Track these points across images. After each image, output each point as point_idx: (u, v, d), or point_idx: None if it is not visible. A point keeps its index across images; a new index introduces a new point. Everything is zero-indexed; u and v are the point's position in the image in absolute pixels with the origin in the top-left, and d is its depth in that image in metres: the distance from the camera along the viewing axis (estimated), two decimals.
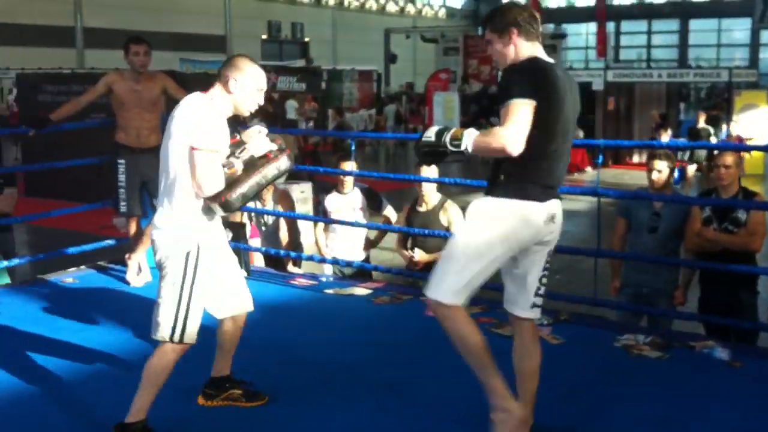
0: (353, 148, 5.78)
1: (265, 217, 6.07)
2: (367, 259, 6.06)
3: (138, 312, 4.74)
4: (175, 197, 3.05)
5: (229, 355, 3.47)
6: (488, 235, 2.86)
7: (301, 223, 6.38)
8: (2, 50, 28.37)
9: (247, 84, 3.10)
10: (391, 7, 46.63)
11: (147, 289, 5.30)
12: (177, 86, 5.37)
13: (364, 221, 5.88)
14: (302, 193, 9.91)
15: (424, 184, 5.42)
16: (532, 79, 2.80)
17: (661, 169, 4.85)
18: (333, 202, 5.95)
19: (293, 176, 8.00)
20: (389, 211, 5.96)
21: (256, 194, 3.32)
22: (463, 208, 5.57)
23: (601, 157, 12.73)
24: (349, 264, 5.74)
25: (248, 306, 3.41)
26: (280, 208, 6.01)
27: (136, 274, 5.39)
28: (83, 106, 5.35)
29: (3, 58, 26.32)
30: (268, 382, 3.61)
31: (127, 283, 5.36)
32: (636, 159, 18.40)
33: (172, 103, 5.41)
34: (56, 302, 4.97)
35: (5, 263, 5.45)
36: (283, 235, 6.10)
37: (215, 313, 3.35)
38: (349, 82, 26.33)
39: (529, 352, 3.12)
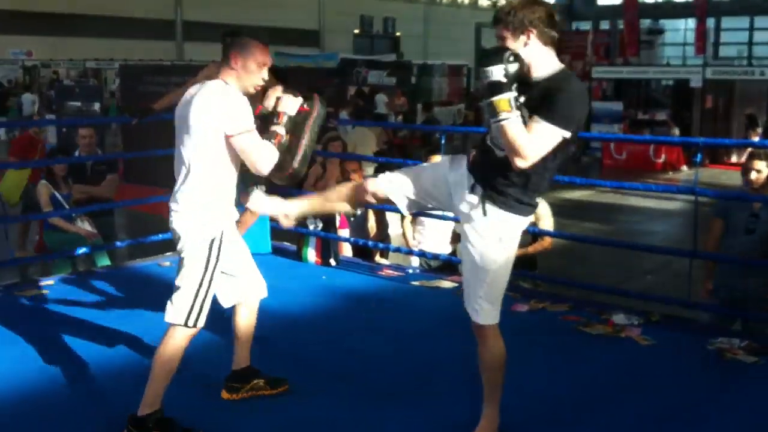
0: (443, 141, 5.78)
1: None
2: (453, 253, 6.05)
3: None
4: (200, 184, 3.06)
5: (248, 346, 3.45)
6: (508, 254, 2.93)
7: (388, 215, 6.44)
8: (107, 42, 29.56)
9: (249, 62, 3.11)
10: (483, 2, 46.21)
11: None
12: (272, 78, 5.48)
13: (451, 214, 5.87)
14: None
15: None
16: (581, 111, 2.79)
17: (761, 169, 4.68)
18: None
19: (382, 170, 8.01)
20: None
21: (313, 149, 3.34)
22: (551, 204, 5.55)
23: (699, 156, 12.40)
24: (435, 256, 5.76)
25: (263, 292, 3.42)
26: None
27: None
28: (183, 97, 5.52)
29: (107, 49, 27.39)
30: (351, 371, 3.68)
31: None
32: (734, 159, 17.74)
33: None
34: (152, 284, 5.18)
35: (106, 246, 5.70)
36: (371, 226, 6.17)
37: (224, 301, 3.35)
38: (438, 76, 26.26)
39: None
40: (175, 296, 3.09)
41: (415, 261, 6.17)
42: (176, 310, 3.07)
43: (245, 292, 3.37)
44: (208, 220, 3.08)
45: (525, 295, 5.00)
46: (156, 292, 4.94)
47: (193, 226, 3.08)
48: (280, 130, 3.17)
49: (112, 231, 6.17)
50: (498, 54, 2.71)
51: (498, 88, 2.68)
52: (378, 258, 6.14)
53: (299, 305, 4.79)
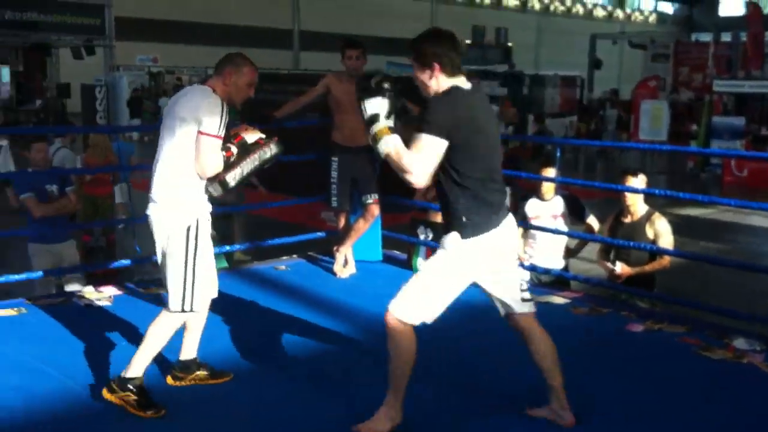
0: (558, 155, 5.72)
1: None
2: (565, 268, 5.98)
3: (340, 300, 5.03)
4: (178, 174, 3.32)
5: (197, 337, 3.67)
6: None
7: None
8: (227, 50, 30.38)
9: (241, 80, 3.42)
10: (598, 12, 45.28)
11: (351, 280, 5.57)
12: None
13: (564, 229, 5.81)
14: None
15: (630, 195, 5.27)
16: (450, 115, 2.98)
17: None
18: (533, 208, 5.92)
19: None
20: (592, 220, 5.84)
21: (250, 176, 3.55)
22: (671, 222, 5.39)
23: None
24: (547, 271, 5.69)
25: (215, 293, 3.63)
26: None
27: (343, 265, 5.67)
28: (302, 106, 5.69)
29: None
30: (461, 382, 3.68)
31: (334, 273, 5.65)
32: None
33: None
34: (268, 287, 5.34)
35: (226, 248, 5.91)
36: None
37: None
38: (551, 87, 25.90)
39: (541, 348, 3.35)
40: (167, 286, 3.37)
41: (525, 275, 6.10)
42: (171, 298, 3.35)
43: (211, 291, 3.61)
44: (184, 209, 3.33)
45: (641, 315, 4.87)
46: (271, 294, 5.14)
47: (169, 215, 3.33)
48: (233, 148, 3.46)
49: (231, 234, 6.40)
50: (377, 87, 3.06)
51: (376, 119, 3.03)
52: None
53: None
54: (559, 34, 42.83)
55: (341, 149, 5.58)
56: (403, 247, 6.11)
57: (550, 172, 5.85)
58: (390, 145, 3.01)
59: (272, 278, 5.55)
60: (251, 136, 3.56)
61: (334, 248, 5.76)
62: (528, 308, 3.36)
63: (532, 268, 5.76)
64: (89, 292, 4.96)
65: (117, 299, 4.91)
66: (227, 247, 5.97)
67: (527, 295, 3.35)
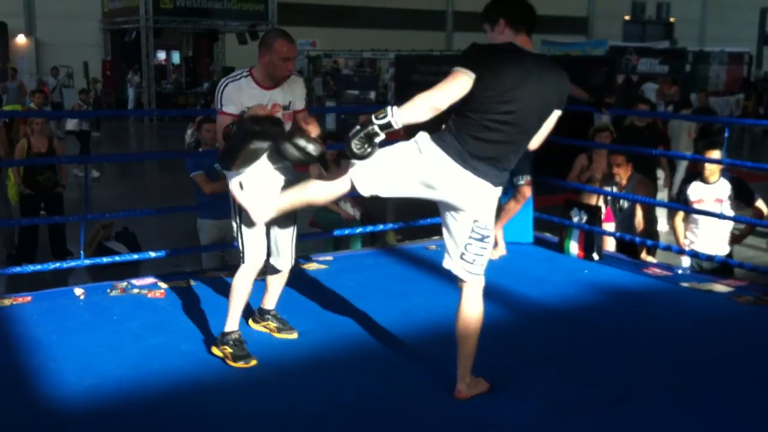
0: (727, 135, 5.43)
1: (621, 201, 5.99)
2: (730, 254, 5.69)
3: (490, 281, 4.95)
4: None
5: (274, 293, 4.06)
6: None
7: (658, 210, 6.19)
8: (382, 33, 31.04)
9: (274, 57, 3.59)
10: None
11: (501, 261, 5.55)
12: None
13: (730, 213, 5.52)
14: (659, 179, 9.51)
15: None
16: (484, 56, 3.08)
17: None
18: (696, 191, 5.67)
19: (650, 162, 7.66)
20: (761, 204, 5.52)
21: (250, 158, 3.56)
22: None
23: None
24: (709, 258, 5.43)
25: (285, 266, 3.94)
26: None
27: (493, 247, 5.65)
28: None
29: (383, 40, 28.73)
30: (612, 372, 3.61)
31: None
32: None
33: None
34: (419, 265, 5.42)
35: (379, 227, 6.05)
36: (638, 222, 5.97)
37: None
38: (716, 64, 24.53)
39: (458, 313, 3.35)
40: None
41: (685, 261, 5.87)
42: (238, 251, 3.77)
43: (274, 260, 3.94)
44: (231, 176, 3.66)
45: None
46: (421, 273, 5.23)
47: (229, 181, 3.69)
48: (234, 126, 3.55)
49: (383, 214, 6.54)
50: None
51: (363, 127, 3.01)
52: (644, 255, 5.92)
53: (561, 297, 4.77)
54: (726, 8, 40.30)
55: None
56: (556, 230, 6.02)
57: (716, 154, 5.57)
58: (400, 109, 2.99)
59: (423, 257, 5.63)
60: (258, 110, 3.54)
61: None
62: (460, 272, 3.33)
63: (694, 254, 5.53)
64: None
65: None
66: (380, 226, 6.11)
67: (466, 261, 3.30)
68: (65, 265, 5.21)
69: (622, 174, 5.92)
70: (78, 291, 4.64)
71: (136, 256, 5.71)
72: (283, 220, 3.81)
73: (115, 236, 8.12)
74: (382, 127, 2.98)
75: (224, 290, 4.69)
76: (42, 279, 6.82)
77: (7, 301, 4.47)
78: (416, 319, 4.33)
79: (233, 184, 3.64)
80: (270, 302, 4.12)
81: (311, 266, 5.33)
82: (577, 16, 38.94)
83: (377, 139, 3.01)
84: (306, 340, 3.98)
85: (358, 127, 3.03)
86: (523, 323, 4.36)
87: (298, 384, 3.51)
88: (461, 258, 3.30)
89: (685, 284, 5.07)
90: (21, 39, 27.99)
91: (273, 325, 4.07)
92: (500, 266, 5.43)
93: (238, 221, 3.72)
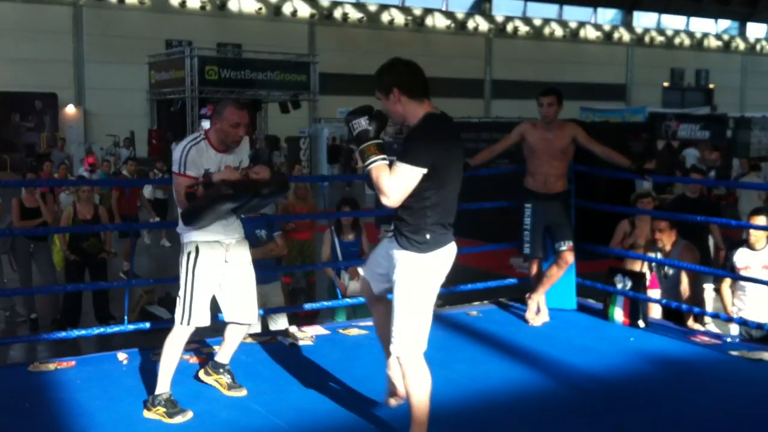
0: None
1: (666, 267, 5.90)
2: None
3: (533, 349, 4.96)
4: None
5: (229, 348, 4.14)
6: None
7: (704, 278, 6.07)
8: None
9: (224, 123, 3.78)
10: None
11: (544, 328, 5.48)
12: (587, 136, 5.50)
13: None
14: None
15: None
16: (428, 144, 3.18)
17: None
18: (743, 257, 5.57)
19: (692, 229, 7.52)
20: None
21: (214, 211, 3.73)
22: None
23: None
24: (759, 326, 5.29)
25: (250, 319, 4.05)
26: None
27: (535, 313, 5.60)
28: (498, 153, 5.74)
29: None
30: None
31: (526, 321, 5.59)
32: None
33: (581, 152, 5.59)
34: (461, 331, 5.37)
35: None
36: (684, 289, 5.86)
37: (224, 314, 4.08)
38: (758, 130, 24.35)
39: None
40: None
41: (734, 329, 5.73)
42: (176, 312, 3.89)
43: (234, 315, 4.05)
44: (186, 238, 3.87)
45: None
46: (463, 339, 5.17)
47: (182, 241, 3.91)
48: (198, 189, 3.72)
49: None
50: (363, 111, 3.19)
51: (365, 137, 3.17)
52: (691, 323, 5.79)
53: (608, 367, 4.67)
54: (766, 75, 40.21)
55: (535, 196, 5.55)
56: (599, 296, 5.93)
57: (761, 219, 5.49)
58: (376, 165, 3.16)
59: (465, 323, 5.58)
60: (229, 175, 3.74)
61: (527, 295, 5.71)
62: None
63: (742, 322, 5.40)
64: (293, 331, 5.23)
65: (319, 338, 5.14)
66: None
67: None
68: (109, 330, 5.26)
69: (666, 240, 5.85)
70: (121, 356, 4.67)
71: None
72: (244, 276, 4.00)
73: (158, 301, 8.20)
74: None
75: (267, 356, 4.71)
76: (86, 343, 6.91)
77: (51, 366, 4.52)
78: (459, 388, 4.25)
79: (188, 246, 3.87)
80: (225, 356, 4.18)
81: (351, 332, 5.31)
82: (615, 83, 39.14)
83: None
84: (346, 408, 3.94)
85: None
86: (571, 395, 4.26)
87: None
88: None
89: (734, 352, 4.93)
90: (71, 109, 28.95)
91: (224, 381, 4.15)
92: (544, 334, 5.37)
93: (188, 283, 3.85)
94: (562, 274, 5.60)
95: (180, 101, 24.04)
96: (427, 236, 3.27)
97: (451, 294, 6.50)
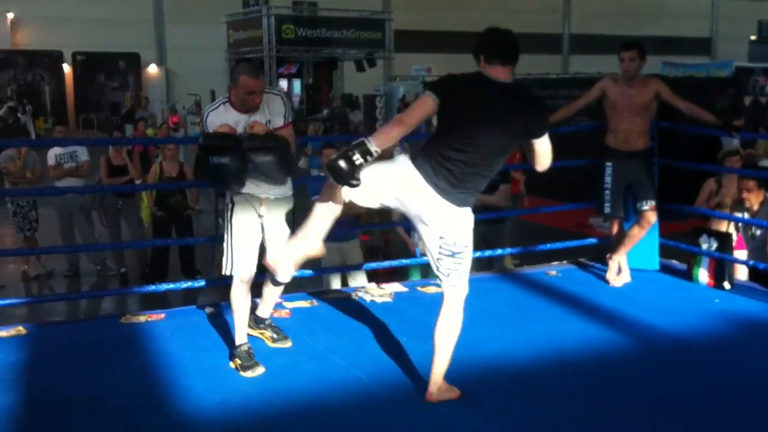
0: None
1: (754, 228, 5.73)
2: None
3: (614, 309, 4.91)
4: None
5: (269, 301, 4.25)
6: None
7: None
8: None
9: (239, 90, 3.87)
10: None
11: (625, 289, 5.42)
12: (671, 92, 5.35)
13: None
14: None
15: None
16: (449, 84, 3.41)
17: None
18: None
19: None
20: None
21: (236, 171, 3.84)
22: None
23: None
24: None
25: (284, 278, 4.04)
26: None
27: (616, 274, 5.53)
28: (578, 110, 5.64)
29: None
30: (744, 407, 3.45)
31: (607, 281, 5.53)
32: None
33: (663, 108, 5.45)
34: (540, 291, 5.36)
35: (498, 251, 6.02)
36: None
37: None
38: None
39: (438, 320, 3.55)
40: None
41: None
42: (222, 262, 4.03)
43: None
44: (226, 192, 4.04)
45: None
46: (542, 299, 5.16)
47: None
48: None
49: (501, 239, 6.51)
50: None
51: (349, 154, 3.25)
52: None
53: (691, 329, 4.59)
54: None
55: (616, 154, 5.45)
56: (683, 257, 5.81)
57: None
58: (368, 137, 3.27)
59: (543, 283, 5.56)
60: (258, 128, 3.89)
61: (607, 256, 5.64)
62: (442, 279, 3.51)
63: None
64: (372, 288, 5.32)
65: (398, 295, 5.22)
66: (499, 251, 6.08)
67: (442, 273, 3.49)
68: (196, 284, 5.44)
69: (753, 200, 5.68)
70: (208, 309, 4.85)
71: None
72: (277, 231, 4.06)
73: None
74: (361, 153, 3.24)
75: (345, 311, 4.81)
76: (173, 297, 7.18)
77: (142, 318, 4.72)
78: (536, 347, 4.27)
79: (227, 199, 4.05)
80: (265, 311, 4.32)
81: (430, 289, 5.36)
82: (699, 36, 37.70)
83: (357, 162, 3.25)
84: (425, 364, 3.99)
85: (342, 152, 3.28)
86: (652, 356, 4.22)
87: (411, 408, 3.53)
88: (438, 270, 3.52)
89: None
90: (153, 69, 29.61)
91: (267, 334, 4.29)
92: (625, 294, 5.31)
93: (227, 233, 4.00)
94: (644, 235, 5.50)
95: (258, 60, 24.28)
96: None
97: (529, 253, 6.49)
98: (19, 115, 19.21)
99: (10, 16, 27.80)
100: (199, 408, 3.50)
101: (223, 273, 4.06)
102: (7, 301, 5.32)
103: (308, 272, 5.37)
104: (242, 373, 3.87)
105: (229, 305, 4.12)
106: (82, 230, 8.65)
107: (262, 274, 4.16)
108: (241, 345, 3.99)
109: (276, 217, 4.09)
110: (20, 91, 27.40)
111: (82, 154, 8.53)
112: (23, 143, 10.10)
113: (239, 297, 4.04)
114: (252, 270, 4.05)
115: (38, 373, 3.95)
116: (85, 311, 7.43)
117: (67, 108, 28.35)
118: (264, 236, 4.08)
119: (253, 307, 4.25)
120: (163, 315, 4.79)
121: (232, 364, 3.96)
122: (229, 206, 4.04)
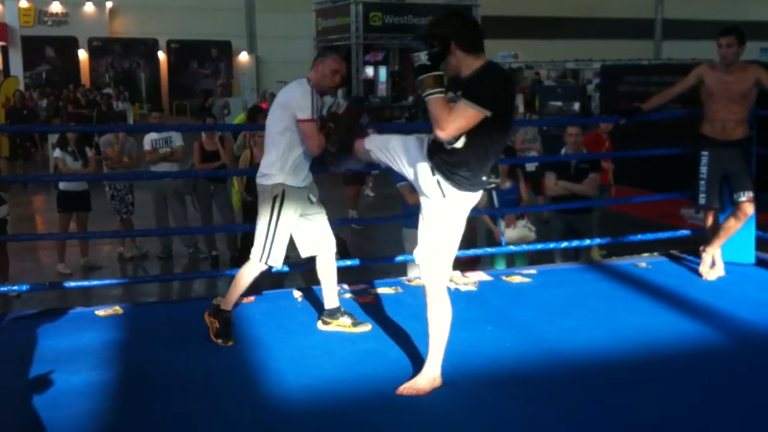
0: None
1: None
2: None
3: (706, 303, 4.77)
4: (273, 153, 4.06)
5: (330, 289, 4.28)
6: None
7: None
8: (586, 43, 30.35)
9: (325, 67, 4.05)
10: None
11: (719, 282, 5.25)
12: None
13: None
14: None
15: None
16: (495, 90, 3.30)
17: None
18: None
19: None
20: None
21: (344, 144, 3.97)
22: None
23: None
24: None
25: (330, 249, 4.25)
26: None
27: (710, 267, 5.37)
28: (673, 97, 5.48)
29: (586, 50, 28.07)
30: None
31: (699, 274, 5.37)
32: None
33: (763, 96, 5.24)
34: (630, 283, 5.24)
35: (586, 242, 5.93)
36: None
37: (300, 252, 4.30)
38: None
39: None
40: (255, 238, 4.13)
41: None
42: (255, 248, 4.12)
43: (316, 247, 4.28)
44: (274, 180, 4.06)
45: None
46: (632, 291, 5.06)
47: (264, 184, 4.11)
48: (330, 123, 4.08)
49: (590, 228, 6.40)
50: (425, 41, 3.25)
51: (424, 68, 3.23)
52: None
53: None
54: None
55: (712, 143, 5.28)
56: None
57: None
58: (435, 97, 3.23)
59: (633, 275, 5.44)
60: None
61: (701, 248, 5.48)
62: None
63: None
64: (456, 276, 5.32)
65: (482, 284, 5.21)
66: (587, 241, 5.98)
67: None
68: (285, 268, 5.55)
69: None
70: (296, 294, 4.95)
71: (349, 262, 5.97)
72: (322, 212, 4.26)
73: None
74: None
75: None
76: (262, 281, 7.31)
77: None
78: (624, 339, 4.19)
79: (275, 189, 4.08)
80: (333, 300, 4.34)
81: (514, 279, 5.32)
82: None
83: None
84: (509, 354, 3.99)
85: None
86: (745, 353, 4.09)
87: (496, 400, 3.52)
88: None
89: None
90: (243, 56, 30.21)
91: (346, 322, 4.31)
92: (718, 288, 5.15)
93: (272, 223, 4.06)
94: (740, 227, 5.32)
95: (346, 48, 24.46)
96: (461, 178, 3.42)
97: (618, 244, 6.36)
98: (113, 101, 19.83)
99: (109, 5, 28.80)
100: (287, 391, 3.58)
101: (256, 260, 4.13)
102: (105, 281, 5.55)
103: (399, 258, 5.43)
104: (213, 338, 4.10)
105: (318, 288, 4.19)
106: (175, 214, 8.92)
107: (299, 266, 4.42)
108: (226, 311, 4.17)
109: (317, 196, 4.29)
110: (117, 78, 28.39)
111: (177, 139, 8.78)
112: (121, 128, 10.46)
113: (251, 278, 4.20)
114: (282, 262, 4.18)
115: (133, 351, 4.12)
116: (177, 292, 7.67)
117: (162, 94, 29.21)
118: (308, 218, 4.21)
119: (321, 305, 4.39)
120: (252, 298, 4.91)
121: (207, 319, 4.17)
122: (279, 197, 4.07)
